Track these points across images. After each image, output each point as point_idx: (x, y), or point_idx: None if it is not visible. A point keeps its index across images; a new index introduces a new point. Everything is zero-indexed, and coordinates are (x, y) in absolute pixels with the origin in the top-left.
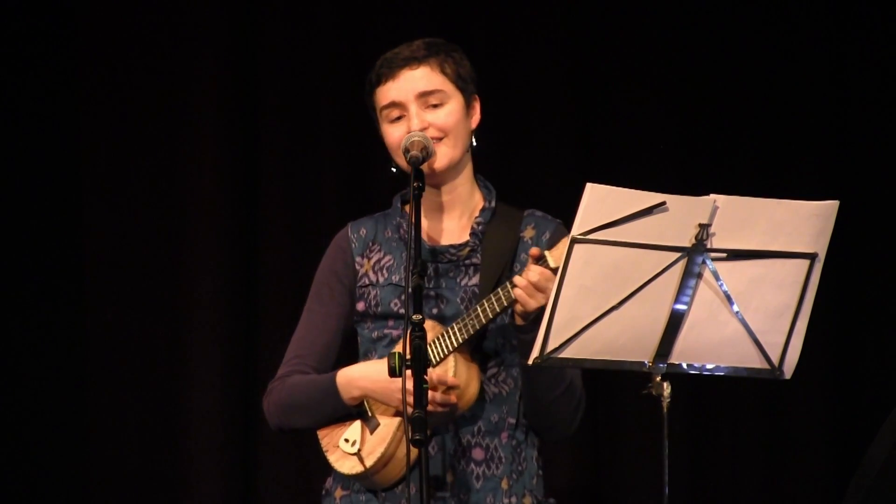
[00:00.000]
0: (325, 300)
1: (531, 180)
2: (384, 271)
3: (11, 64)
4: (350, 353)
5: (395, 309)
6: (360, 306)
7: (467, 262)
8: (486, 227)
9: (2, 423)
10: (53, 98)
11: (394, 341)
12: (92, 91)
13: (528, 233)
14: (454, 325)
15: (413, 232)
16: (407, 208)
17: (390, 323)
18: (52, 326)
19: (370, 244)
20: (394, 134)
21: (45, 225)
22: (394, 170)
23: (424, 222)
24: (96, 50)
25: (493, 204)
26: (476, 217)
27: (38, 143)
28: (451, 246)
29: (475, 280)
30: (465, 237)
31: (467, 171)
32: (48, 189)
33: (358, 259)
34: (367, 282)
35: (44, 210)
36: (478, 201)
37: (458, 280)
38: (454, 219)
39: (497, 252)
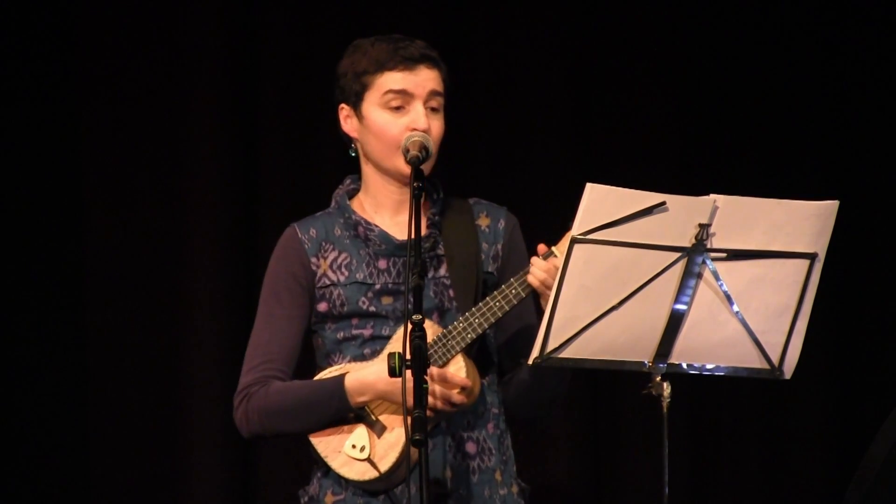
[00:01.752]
0: (286, 303)
1: (531, 180)
2: (343, 269)
3: (11, 64)
4: (305, 357)
5: (364, 307)
6: (323, 307)
7: (431, 253)
8: (441, 218)
9: (2, 423)
10: (53, 98)
11: (367, 341)
12: (92, 91)
13: (483, 221)
14: (457, 324)
15: (413, 232)
16: (353, 204)
17: (354, 322)
18: (52, 326)
19: (323, 244)
20: (396, 123)
21: (46, 225)
22: (353, 154)
23: (381, 219)
24: (96, 50)
25: (441, 195)
26: (431, 209)
27: (38, 143)
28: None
29: (442, 271)
30: (424, 230)
31: None
32: (48, 189)
33: (313, 259)
34: (327, 282)
35: (44, 210)
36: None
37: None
38: (408, 213)
39: (459, 242)
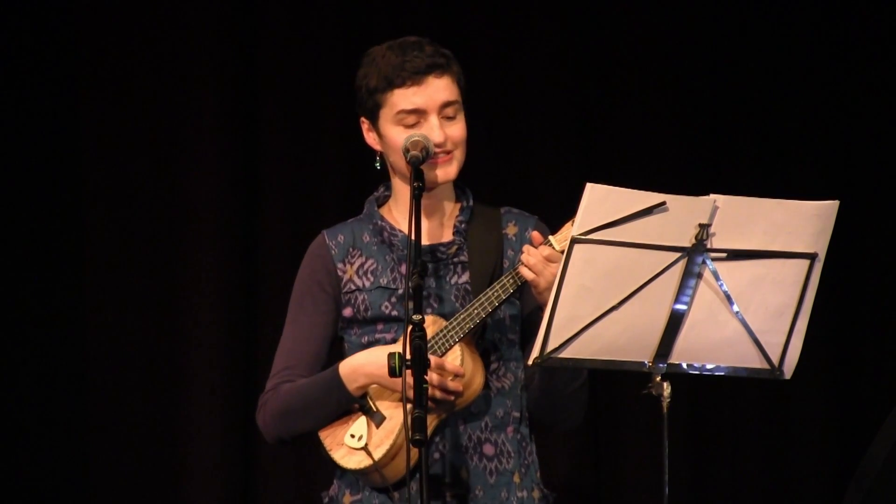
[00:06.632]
0: (310, 310)
1: (531, 180)
2: (369, 275)
3: (12, 64)
4: (334, 361)
5: (387, 312)
6: (348, 312)
7: (455, 260)
8: (468, 226)
9: (2, 422)
10: (54, 98)
11: (388, 345)
12: (92, 92)
13: (511, 230)
14: (458, 315)
15: (413, 232)
16: (383, 211)
17: (379, 327)
18: (52, 326)
19: (350, 250)
20: None
21: (45, 225)
22: (378, 166)
23: (407, 224)
24: (96, 50)
25: (470, 203)
26: (457, 216)
27: (39, 143)
28: (441, 244)
29: (465, 278)
30: (450, 236)
31: None
32: (48, 189)
33: (339, 266)
34: (352, 287)
35: (44, 210)
36: (454, 201)
37: (448, 279)
38: (436, 219)
39: (483, 249)
